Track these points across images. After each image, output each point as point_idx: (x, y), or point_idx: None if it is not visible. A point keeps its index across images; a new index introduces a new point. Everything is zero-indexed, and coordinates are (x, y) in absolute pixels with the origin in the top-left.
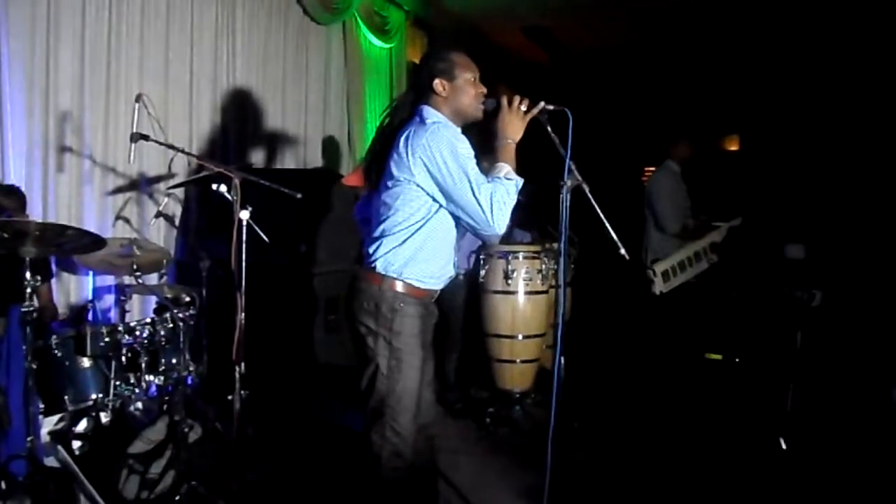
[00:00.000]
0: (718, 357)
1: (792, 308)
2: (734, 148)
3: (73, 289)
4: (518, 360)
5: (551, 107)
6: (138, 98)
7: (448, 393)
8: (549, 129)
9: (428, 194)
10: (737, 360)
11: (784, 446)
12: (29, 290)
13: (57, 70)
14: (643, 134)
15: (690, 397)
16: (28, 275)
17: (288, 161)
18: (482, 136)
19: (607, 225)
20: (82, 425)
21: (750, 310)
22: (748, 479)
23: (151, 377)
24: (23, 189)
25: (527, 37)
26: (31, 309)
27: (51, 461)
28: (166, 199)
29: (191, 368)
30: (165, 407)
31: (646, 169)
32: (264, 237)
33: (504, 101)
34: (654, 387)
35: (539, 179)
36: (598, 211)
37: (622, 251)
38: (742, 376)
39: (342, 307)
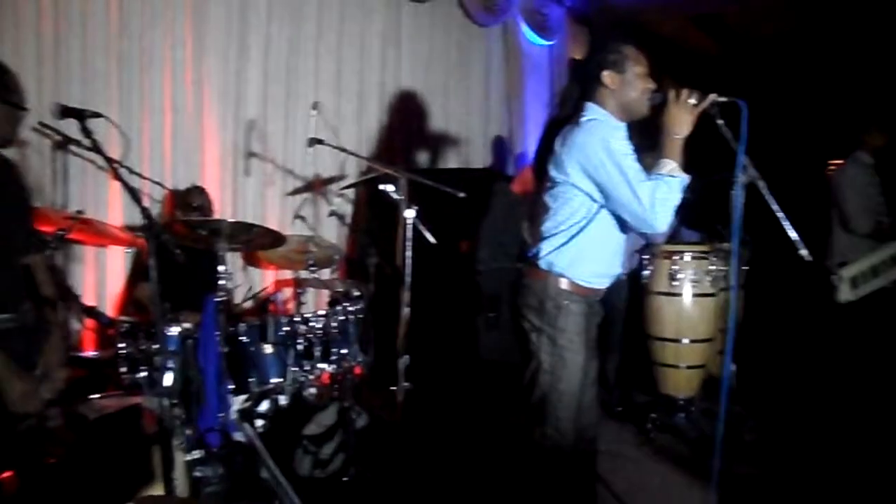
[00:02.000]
0: None
1: None
2: None
3: (257, 281)
4: (683, 366)
5: (723, 99)
6: (314, 106)
7: (608, 395)
8: (720, 122)
9: (586, 194)
10: None
11: None
12: (221, 281)
13: (245, 84)
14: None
15: (879, 417)
16: (221, 268)
17: (451, 161)
18: (645, 131)
19: (786, 224)
20: (264, 406)
21: None
22: None
23: (324, 365)
24: (216, 191)
25: (697, 27)
26: (224, 298)
27: (238, 436)
28: (338, 199)
29: (359, 359)
30: (336, 394)
31: (830, 162)
32: (429, 235)
33: (671, 94)
34: (836, 403)
35: (708, 175)
36: (776, 208)
37: (803, 252)
38: None
39: (504, 304)
